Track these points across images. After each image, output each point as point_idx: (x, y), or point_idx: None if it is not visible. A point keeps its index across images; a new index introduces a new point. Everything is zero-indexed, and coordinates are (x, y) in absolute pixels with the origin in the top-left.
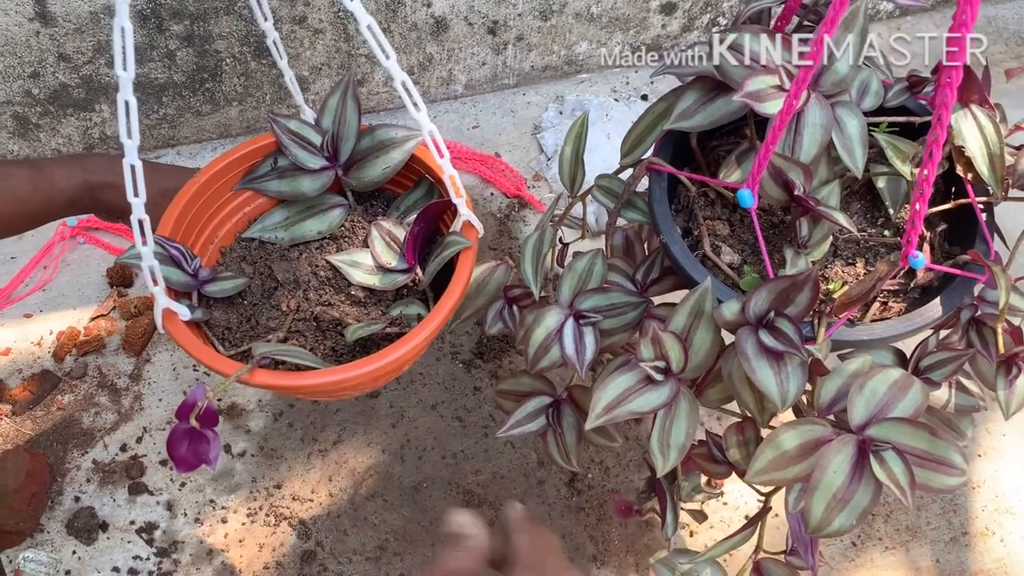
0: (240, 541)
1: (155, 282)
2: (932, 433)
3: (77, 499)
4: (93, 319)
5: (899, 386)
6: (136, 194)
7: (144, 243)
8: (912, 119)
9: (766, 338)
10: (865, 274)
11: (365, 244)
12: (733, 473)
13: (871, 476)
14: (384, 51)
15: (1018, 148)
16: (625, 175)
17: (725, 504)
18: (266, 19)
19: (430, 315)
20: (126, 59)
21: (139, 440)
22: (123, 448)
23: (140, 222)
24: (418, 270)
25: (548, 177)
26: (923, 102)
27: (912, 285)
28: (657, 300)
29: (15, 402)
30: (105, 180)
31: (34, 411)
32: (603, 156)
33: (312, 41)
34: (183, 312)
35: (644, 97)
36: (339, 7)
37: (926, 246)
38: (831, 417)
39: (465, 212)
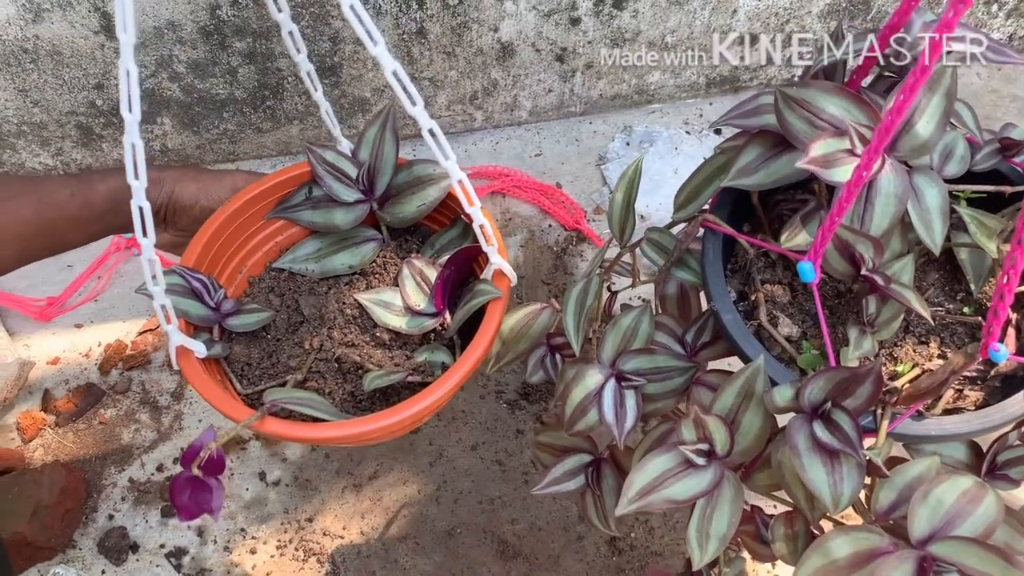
0: (268, 574)
1: (168, 320)
2: (1006, 559)
3: (111, 517)
4: (141, 333)
5: (969, 497)
6: (145, 234)
7: (155, 283)
8: (1003, 188)
9: (820, 432)
10: (939, 355)
11: (395, 282)
12: None
13: None
14: (411, 98)
15: None
16: (678, 230)
17: None
18: (299, 51)
19: (452, 368)
20: (131, 101)
21: (175, 461)
22: (159, 468)
23: (150, 262)
24: (447, 315)
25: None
26: (1018, 168)
27: (993, 373)
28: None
29: (59, 413)
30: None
31: (76, 424)
32: (669, 192)
33: (375, 63)
34: (199, 349)
35: (719, 131)
36: (403, 29)
37: (1011, 330)
38: (889, 522)
39: (496, 260)
